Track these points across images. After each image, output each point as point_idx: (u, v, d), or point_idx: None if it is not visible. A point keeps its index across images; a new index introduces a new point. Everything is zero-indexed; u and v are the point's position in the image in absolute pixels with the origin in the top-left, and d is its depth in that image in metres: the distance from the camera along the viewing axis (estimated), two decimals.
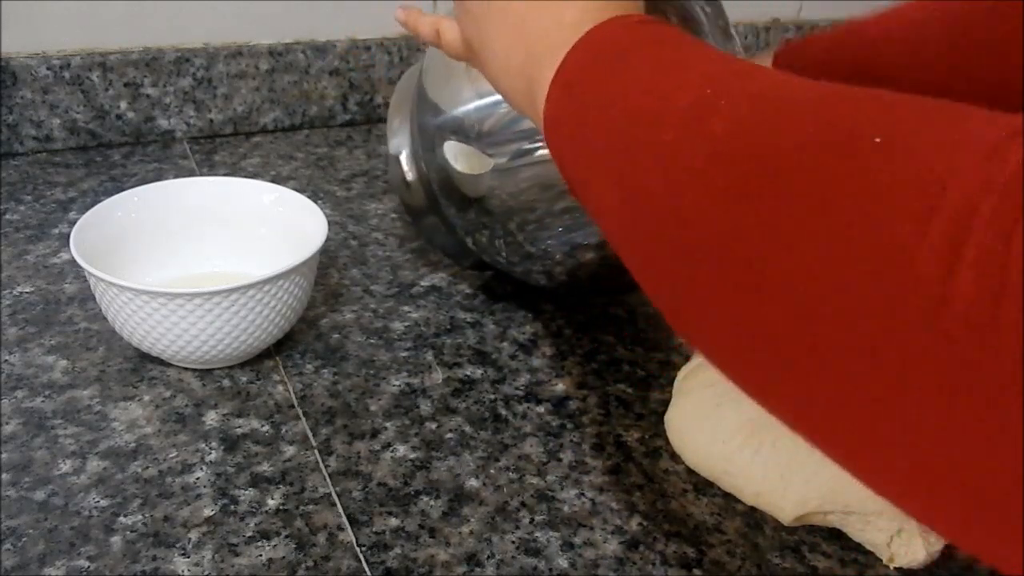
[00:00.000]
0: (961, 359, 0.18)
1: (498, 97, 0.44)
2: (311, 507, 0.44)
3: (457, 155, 0.53)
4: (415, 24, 0.46)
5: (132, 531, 0.42)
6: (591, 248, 0.53)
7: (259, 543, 0.41)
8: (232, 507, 0.43)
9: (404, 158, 0.58)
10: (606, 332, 0.58)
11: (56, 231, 0.66)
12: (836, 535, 0.44)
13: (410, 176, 0.58)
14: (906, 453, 0.21)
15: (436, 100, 0.54)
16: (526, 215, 0.52)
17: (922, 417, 0.20)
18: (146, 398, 0.50)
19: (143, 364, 0.52)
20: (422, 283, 0.63)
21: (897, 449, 0.21)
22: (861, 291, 0.20)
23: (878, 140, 0.21)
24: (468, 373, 0.54)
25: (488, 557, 0.42)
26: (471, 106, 0.52)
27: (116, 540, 0.41)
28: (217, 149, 0.81)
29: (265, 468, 0.46)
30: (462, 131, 0.52)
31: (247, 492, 0.44)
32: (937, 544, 0.41)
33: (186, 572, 0.40)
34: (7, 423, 0.48)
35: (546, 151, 0.49)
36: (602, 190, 0.31)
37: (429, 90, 0.55)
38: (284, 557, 0.41)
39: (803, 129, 0.23)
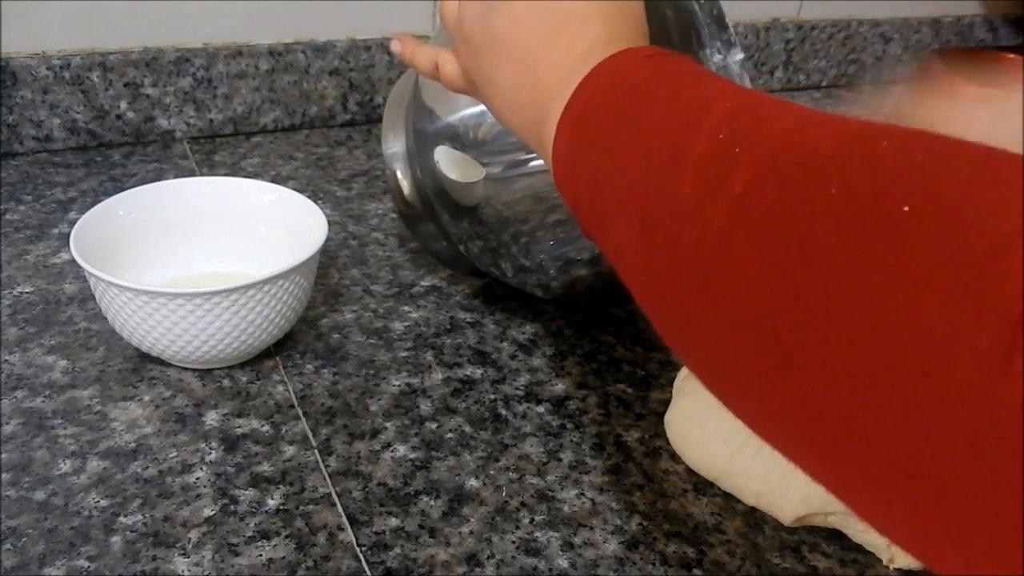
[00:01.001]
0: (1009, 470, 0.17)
1: None
2: (311, 507, 0.44)
3: (450, 162, 0.53)
4: (411, 56, 0.45)
5: (132, 531, 0.42)
6: (586, 263, 0.53)
7: (259, 543, 0.41)
8: (232, 507, 0.43)
9: (399, 162, 0.57)
10: (606, 332, 0.58)
11: (56, 231, 0.66)
12: (836, 535, 0.44)
13: (405, 181, 0.57)
14: (936, 517, 0.20)
15: (431, 105, 0.54)
16: (520, 226, 0.52)
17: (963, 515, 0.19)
18: (146, 398, 0.50)
19: (143, 364, 0.52)
20: (422, 283, 0.63)
21: (928, 512, 0.20)
22: (896, 389, 0.19)
23: (906, 209, 0.19)
24: (468, 373, 0.54)
25: (488, 557, 0.42)
26: (466, 112, 0.51)
27: (116, 540, 0.41)
28: (217, 149, 0.81)
29: (265, 468, 0.46)
30: (456, 138, 0.52)
31: (247, 492, 0.44)
32: None
33: (186, 572, 0.40)
34: (7, 423, 0.48)
35: (540, 162, 0.49)
36: (620, 234, 0.30)
37: (424, 94, 0.54)
38: (284, 557, 0.41)
39: (825, 191, 0.21)
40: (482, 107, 0.50)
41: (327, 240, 0.53)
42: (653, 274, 0.28)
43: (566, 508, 0.45)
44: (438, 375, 0.53)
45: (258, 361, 0.53)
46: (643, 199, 0.28)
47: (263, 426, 0.49)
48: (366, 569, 0.41)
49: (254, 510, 0.43)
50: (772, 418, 0.24)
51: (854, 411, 0.21)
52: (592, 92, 0.32)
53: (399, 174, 0.57)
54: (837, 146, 0.22)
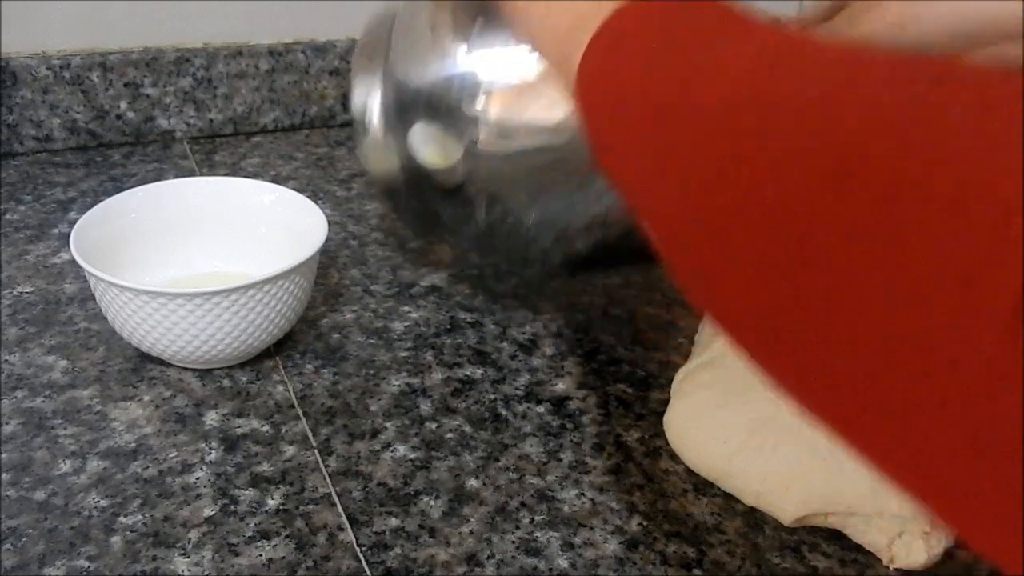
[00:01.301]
0: None
1: (466, 66, 0.42)
2: (311, 507, 0.44)
3: (427, 142, 0.49)
4: None
5: (132, 531, 0.42)
6: (584, 230, 0.49)
7: (259, 543, 0.41)
8: (232, 507, 0.43)
9: (372, 118, 0.52)
10: (606, 332, 0.58)
11: (56, 231, 0.66)
12: (836, 535, 0.44)
13: (376, 143, 0.52)
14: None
15: (402, 69, 0.49)
16: (509, 200, 0.48)
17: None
18: (146, 398, 0.50)
19: (143, 364, 0.52)
20: (422, 283, 0.63)
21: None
22: (896, 390, 0.19)
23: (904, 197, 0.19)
24: (468, 373, 0.54)
25: (488, 557, 0.42)
26: (439, 76, 0.47)
27: (116, 540, 0.41)
28: (217, 149, 0.81)
29: (265, 468, 0.46)
30: (430, 108, 0.48)
31: (247, 492, 0.44)
32: (938, 547, 0.41)
33: (186, 572, 0.40)
34: (7, 423, 0.48)
35: (530, 122, 0.45)
36: (640, 158, 0.29)
37: (395, 55, 0.50)
38: (284, 557, 0.41)
39: (826, 186, 0.21)
40: (453, 68, 0.47)
41: (327, 240, 0.53)
42: (676, 198, 0.27)
43: (566, 508, 0.45)
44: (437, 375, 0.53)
45: (258, 361, 0.53)
46: (673, 123, 0.27)
47: (263, 426, 0.49)
48: (366, 569, 0.41)
49: (254, 510, 0.43)
50: (787, 389, 0.24)
51: (853, 411, 0.20)
52: (632, 10, 0.31)
53: (372, 130, 0.53)
54: (860, 128, 0.21)
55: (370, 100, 0.52)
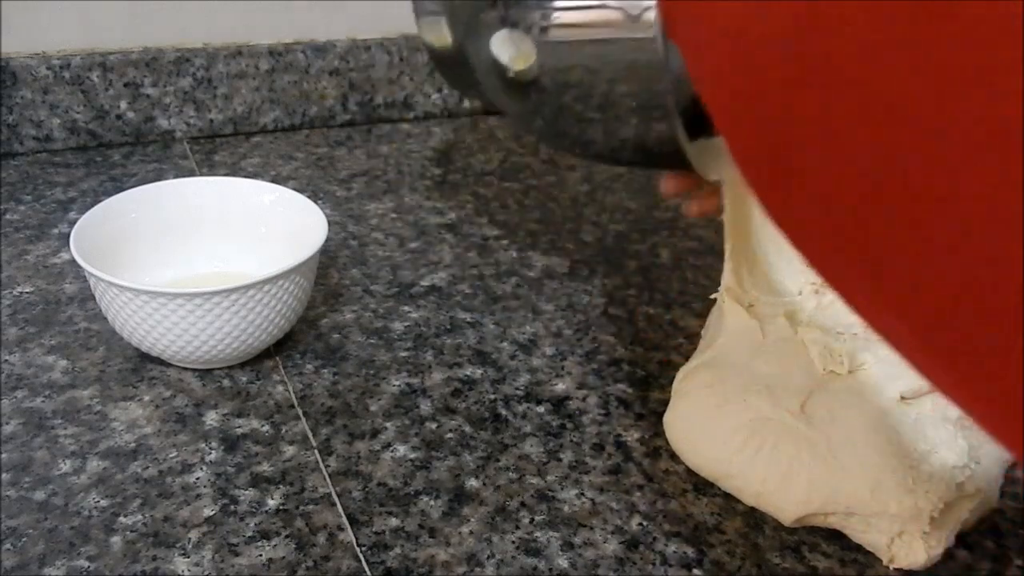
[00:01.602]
0: None
1: None
2: (311, 507, 0.44)
3: (505, 46, 0.47)
4: None
5: (132, 531, 0.42)
6: (661, 115, 0.46)
7: (259, 543, 0.42)
8: (232, 507, 0.43)
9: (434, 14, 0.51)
10: (606, 332, 0.58)
11: (56, 231, 0.66)
12: (836, 535, 0.44)
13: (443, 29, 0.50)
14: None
15: None
16: (581, 88, 0.46)
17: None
18: (146, 398, 0.50)
19: (143, 364, 0.52)
20: (422, 283, 0.63)
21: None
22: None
23: None
24: (468, 373, 0.54)
25: (488, 557, 0.42)
26: None
27: (116, 540, 0.41)
28: (217, 149, 0.81)
29: (265, 468, 0.46)
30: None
31: (247, 492, 0.44)
32: (938, 547, 0.41)
33: (186, 572, 0.40)
34: (7, 423, 0.48)
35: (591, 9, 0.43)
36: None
37: None
38: (284, 557, 0.41)
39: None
40: None
41: (327, 240, 0.53)
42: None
43: (566, 508, 0.45)
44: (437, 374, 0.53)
45: (258, 361, 0.53)
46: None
47: (263, 426, 0.49)
48: (366, 569, 0.41)
49: (254, 510, 0.43)
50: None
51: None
52: None
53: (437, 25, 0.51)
54: None
55: None
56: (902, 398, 0.44)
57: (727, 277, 0.51)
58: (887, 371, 0.45)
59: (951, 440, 0.43)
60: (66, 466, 0.45)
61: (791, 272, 0.50)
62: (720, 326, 0.51)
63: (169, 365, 0.52)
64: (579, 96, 0.46)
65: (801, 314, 0.49)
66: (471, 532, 0.43)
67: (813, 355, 0.46)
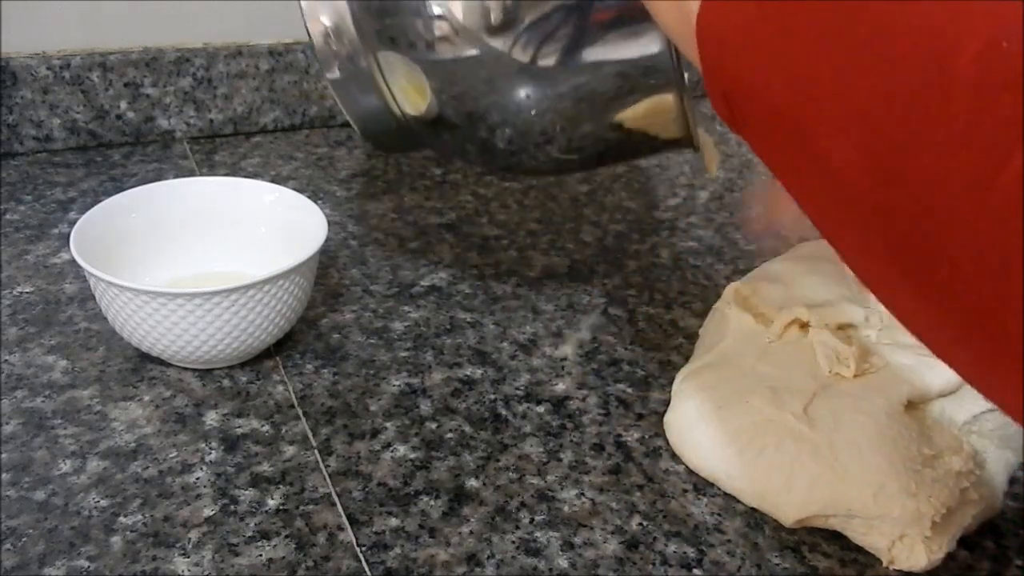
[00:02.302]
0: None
1: None
2: (311, 507, 0.44)
3: (396, 71, 0.46)
4: None
5: (132, 531, 0.42)
6: (566, 129, 0.47)
7: (259, 543, 0.41)
8: (232, 507, 0.43)
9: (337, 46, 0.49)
10: (606, 332, 0.58)
11: (56, 231, 0.66)
12: (836, 535, 0.44)
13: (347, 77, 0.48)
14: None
15: None
16: (488, 116, 0.46)
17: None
18: (146, 398, 0.50)
19: (143, 364, 0.52)
20: (422, 283, 0.63)
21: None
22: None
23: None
24: (468, 373, 0.54)
25: (488, 557, 0.42)
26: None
27: (116, 540, 0.41)
28: (217, 149, 0.81)
29: (265, 468, 0.46)
30: (398, 33, 0.44)
31: (247, 492, 0.44)
32: (939, 552, 0.41)
33: (186, 572, 0.40)
34: (7, 423, 0.48)
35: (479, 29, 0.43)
36: (823, 141, 0.25)
37: None
38: (284, 557, 0.41)
39: None
40: None
41: (327, 240, 0.53)
42: (882, 210, 0.23)
43: (566, 508, 0.45)
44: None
45: (258, 361, 0.53)
46: (874, 108, 0.23)
47: (263, 426, 0.49)
48: (366, 569, 0.41)
49: (254, 510, 0.43)
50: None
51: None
52: None
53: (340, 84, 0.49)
54: None
55: (333, 23, 0.49)
56: (908, 402, 0.44)
57: (740, 286, 0.51)
58: (893, 375, 0.45)
59: (956, 445, 0.43)
60: (66, 466, 0.45)
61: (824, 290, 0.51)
62: (720, 330, 0.51)
63: (169, 365, 0.52)
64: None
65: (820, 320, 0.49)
66: (471, 532, 0.43)
67: (819, 357, 0.46)
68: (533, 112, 0.46)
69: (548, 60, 0.44)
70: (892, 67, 0.22)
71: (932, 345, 0.26)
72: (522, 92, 0.45)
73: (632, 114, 0.47)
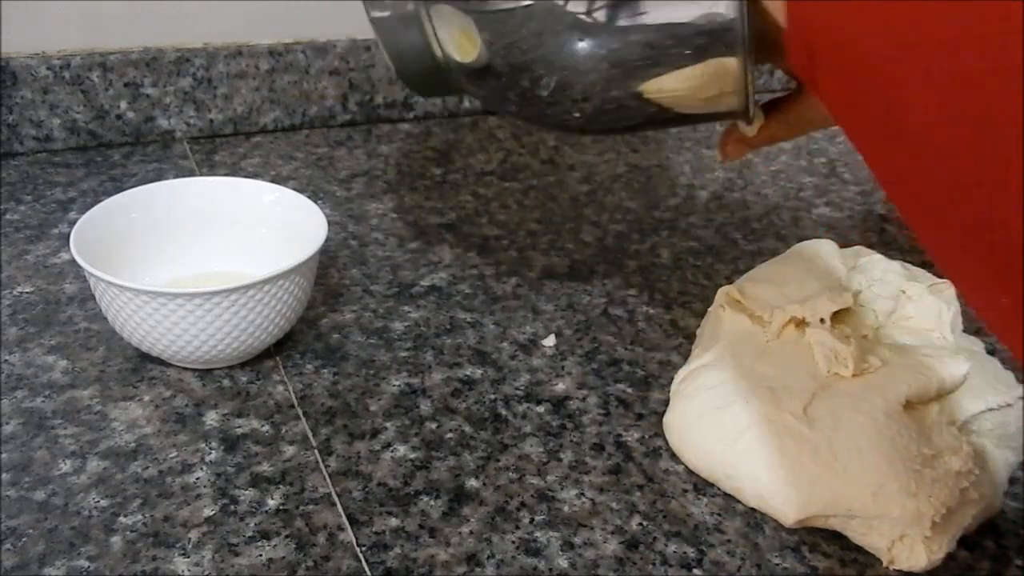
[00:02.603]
0: None
1: None
2: (311, 507, 0.44)
3: (447, 25, 0.46)
4: None
5: (132, 531, 0.42)
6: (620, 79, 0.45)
7: (259, 543, 0.42)
8: (232, 507, 0.43)
9: None
10: (606, 332, 0.58)
11: (56, 231, 0.66)
12: (836, 535, 0.44)
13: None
14: None
15: None
16: (536, 67, 0.45)
17: None
18: (146, 398, 0.50)
19: (143, 364, 0.52)
20: (422, 283, 0.63)
21: None
22: None
23: None
24: (468, 373, 0.54)
25: (488, 557, 0.42)
26: None
27: (116, 540, 0.41)
28: (217, 149, 0.81)
29: (265, 468, 0.46)
30: None
31: (247, 492, 0.44)
32: (940, 552, 0.41)
33: (186, 572, 0.40)
34: (7, 423, 0.48)
35: None
36: (911, 104, 0.24)
37: None
38: (284, 557, 0.41)
39: None
40: None
41: (327, 240, 0.53)
42: (963, 175, 0.23)
43: (566, 508, 0.45)
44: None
45: (258, 361, 0.53)
46: (981, 74, 0.22)
47: (263, 426, 0.49)
48: (366, 569, 0.41)
49: (254, 510, 0.43)
50: None
51: None
52: None
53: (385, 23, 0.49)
54: None
55: None
56: (907, 402, 0.44)
57: (730, 289, 0.51)
58: (892, 375, 0.45)
59: (956, 445, 0.43)
60: (66, 466, 0.45)
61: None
62: (716, 332, 0.51)
63: (169, 365, 0.52)
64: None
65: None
66: (471, 532, 0.43)
67: (818, 357, 0.46)
68: (580, 68, 0.45)
69: (601, 15, 0.43)
70: (1007, 35, 0.21)
71: (989, 314, 0.25)
72: (573, 46, 0.44)
73: (681, 79, 0.45)
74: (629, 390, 0.53)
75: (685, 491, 0.46)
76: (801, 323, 0.48)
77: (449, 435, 0.49)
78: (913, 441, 0.42)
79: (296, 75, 0.84)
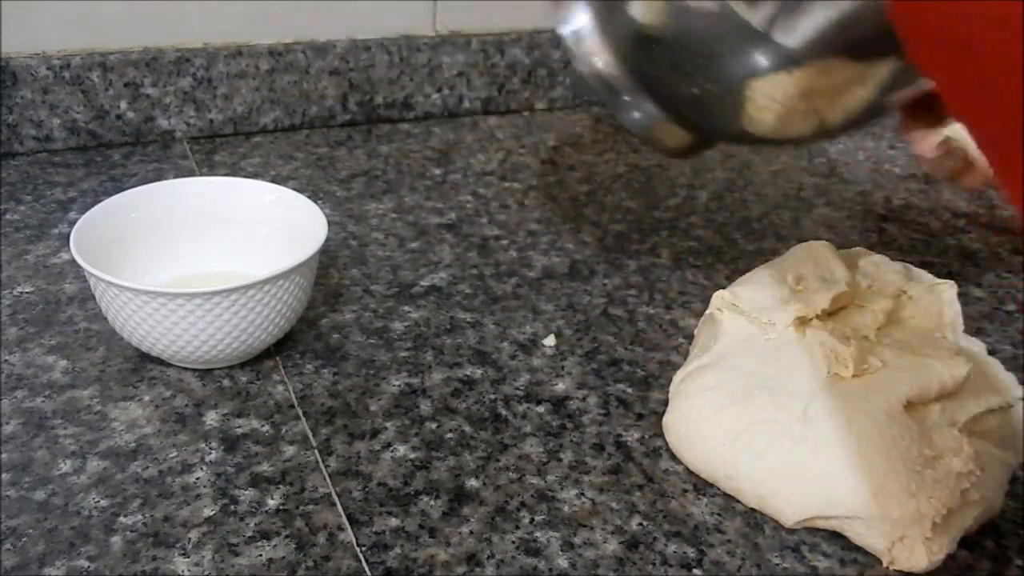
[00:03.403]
0: None
1: None
2: (311, 507, 0.44)
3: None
4: None
5: (132, 531, 0.42)
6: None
7: (259, 543, 0.42)
8: (232, 507, 0.43)
9: (588, 36, 0.50)
10: (606, 332, 0.58)
11: (56, 231, 0.66)
12: (836, 535, 0.44)
13: (601, 55, 0.50)
14: None
15: None
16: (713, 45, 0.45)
17: None
18: (146, 398, 0.50)
19: (143, 364, 0.52)
20: (422, 283, 0.63)
21: None
22: None
23: None
24: (468, 373, 0.54)
25: (488, 557, 0.42)
26: None
27: (116, 540, 0.41)
28: (217, 149, 0.81)
29: (265, 468, 0.46)
30: None
31: (247, 492, 0.44)
32: (940, 553, 0.41)
33: (186, 572, 0.40)
34: (7, 423, 0.48)
35: None
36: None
37: None
38: (284, 557, 0.41)
39: None
40: None
41: (327, 240, 0.53)
42: None
43: (566, 508, 0.45)
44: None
45: (258, 361, 0.53)
46: None
47: (263, 426, 0.49)
48: (366, 569, 0.41)
49: (254, 510, 0.43)
50: None
51: None
52: None
53: (593, 47, 0.50)
54: None
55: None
56: (908, 403, 0.44)
57: (725, 293, 0.51)
58: (892, 375, 0.45)
59: (957, 446, 0.43)
60: (66, 466, 0.45)
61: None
62: (714, 333, 0.51)
63: (169, 365, 0.52)
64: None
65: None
66: (471, 532, 0.43)
67: (818, 358, 0.46)
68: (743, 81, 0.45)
69: (785, 37, 0.42)
70: None
71: None
72: (744, 58, 0.44)
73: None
74: (629, 390, 0.53)
75: (685, 491, 0.46)
76: (802, 323, 0.48)
77: (449, 435, 0.49)
78: (914, 442, 0.42)
79: (296, 75, 0.84)
